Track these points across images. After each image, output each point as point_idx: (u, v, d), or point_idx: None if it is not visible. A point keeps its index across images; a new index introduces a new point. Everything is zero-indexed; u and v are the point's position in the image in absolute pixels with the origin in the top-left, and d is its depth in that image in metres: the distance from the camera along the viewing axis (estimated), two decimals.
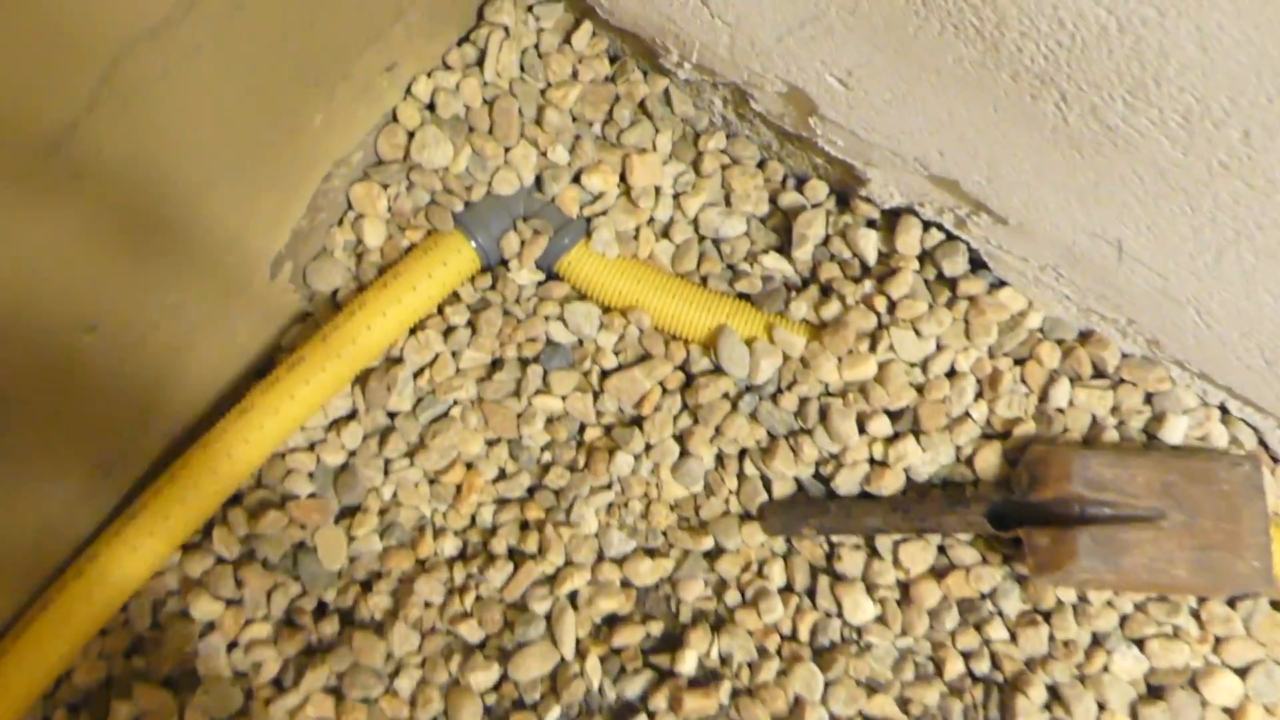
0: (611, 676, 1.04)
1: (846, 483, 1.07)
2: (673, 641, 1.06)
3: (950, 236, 1.08)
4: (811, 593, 1.07)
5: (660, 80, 1.15)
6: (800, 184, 1.16)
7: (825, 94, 0.96)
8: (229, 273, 1.01)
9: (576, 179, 1.13)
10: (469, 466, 1.14)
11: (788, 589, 1.07)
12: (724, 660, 1.04)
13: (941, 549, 1.05)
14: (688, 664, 1.02)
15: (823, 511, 1.05)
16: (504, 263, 1.15)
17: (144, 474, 1.07)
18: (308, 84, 0.96)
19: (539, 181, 1.13)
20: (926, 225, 1.09)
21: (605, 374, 1.13)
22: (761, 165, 1.18)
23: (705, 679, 1.03)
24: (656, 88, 1.15)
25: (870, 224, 1.12)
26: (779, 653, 1.05)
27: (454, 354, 1.14)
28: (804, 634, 1.04)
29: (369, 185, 1.11)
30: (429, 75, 1.11)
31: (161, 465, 1.06)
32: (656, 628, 1.06)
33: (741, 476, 1.11)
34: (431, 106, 1.12)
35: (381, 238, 1.13)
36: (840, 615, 1.05)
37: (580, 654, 1.05)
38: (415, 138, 1.10)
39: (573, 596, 1.08)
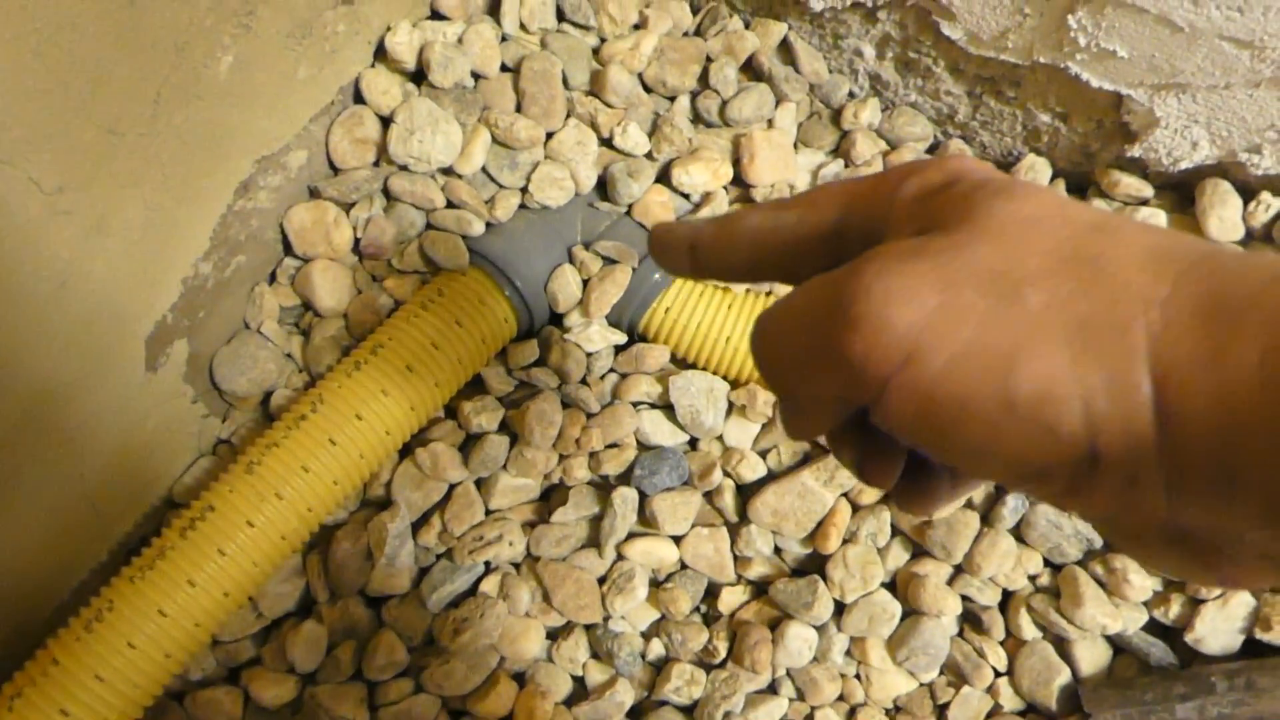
0: None
1: (1215, 633, 0.60)
2: None
3: None
4: None
5: (773, 26, 0.74)
6: (1006, 166, 0.74)
7: None
8: (53, 368, 0.52)
9: (665, 175, 0.69)
10: (522, 681, 0.64)
11: None
12: None
13: None
14: None
15: (1191, 691, 0.58)
16: (557, 319, 0.68)
17: None
18: None
19: (604, 184, 0.68)
20: (1249, 191, 0.67)
21: (748, 491, 0.66)
22: (934, 149, 0.76)
23: None
24: (770, 37, 0.74)
25: (1142, 204, 0.70)
26: None
27: (482, 483, 0.66)
28: None
29: (318, 207, 0.65)
30: (413, 26, 0.67)
31: None
32: None
33: (1016, 643, 0.64)
34: (420, 74, 0.67)
35: (344, 295, 0.66)
36: None
37: None
38: (396, 121, 0.65)
39: None
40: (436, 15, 0.69)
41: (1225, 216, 0.66)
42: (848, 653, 0.65)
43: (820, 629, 0.64)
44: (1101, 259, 0.22)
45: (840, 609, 0.64)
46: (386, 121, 0.66)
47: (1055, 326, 0.22)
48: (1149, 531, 0.24)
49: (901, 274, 0.23)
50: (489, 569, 0.66)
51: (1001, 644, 0.64)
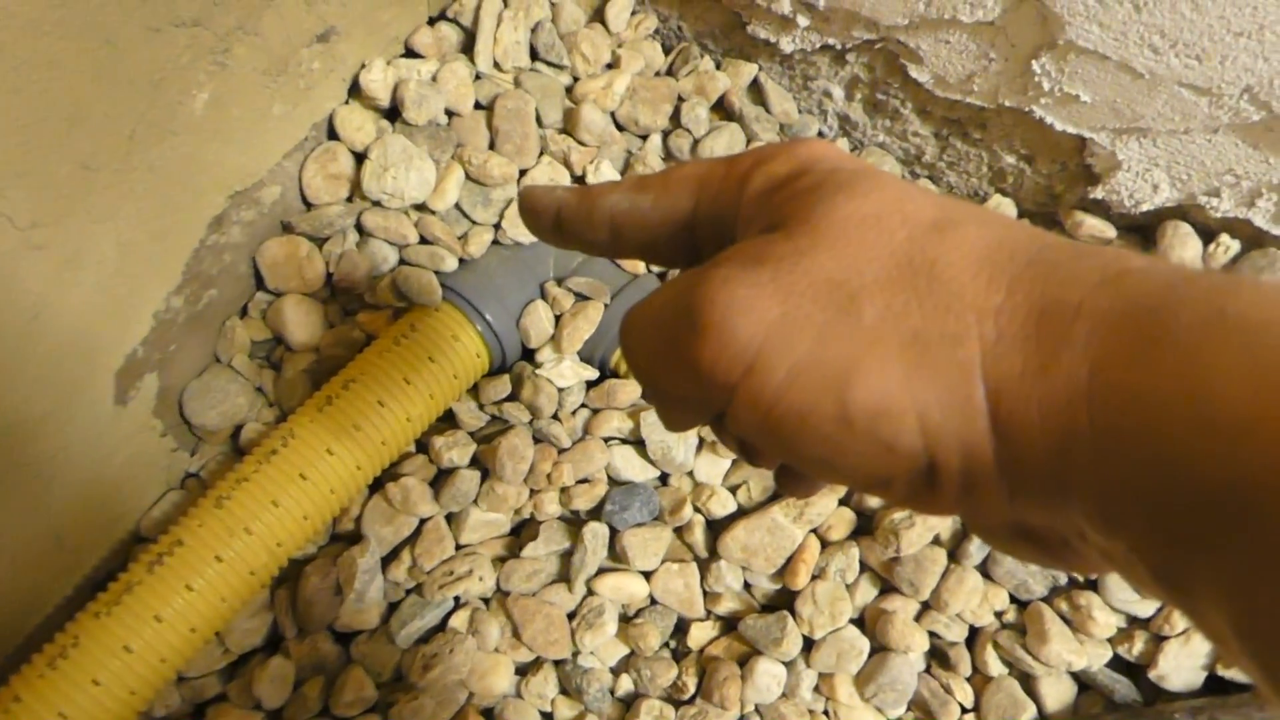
0: None
1: (1178, 670, 0.61)
2: None
3: (1257, 241, 0.68)
4: None
5: (744, 67, 0.75)
6: None
7: None
8: (22, 401, 0.52)
9: None
10: (491, 717, 0.64)
11: None
12: None
13: None
14: None
15: None
16: (530, 355, 0.69)
17: None
18: (174, 21, 0.52)
19: None
20: (1209, 233, 0.69)
21: (718, 527, 0.66)
22: None
23: None
24: (741, 78, 0.75)
25: (1105, 244, 0.71)
26: None
27: (452, 518, 0.66)
28: None
29: (291, 242, 0.66)
30: (388, 64, 0.68)
31: None
32: None
33: (983, 679, 0.64)
34: (394, 111, 0.68)
35: (316, 330, 0.67)
36: None
37: None
38: (370, 157, 0.65)
39: None
40: (411, 53, 0.70)
41: (1185, 258, 0.67)
42: (816, 689, 0.65)
43: (789, 665, 0.64)
44: (937, 265, 0.23)
45: (809, 645, 0.65)
46: (360, 158, 0.66)
47: (890, 340, 0.22)
48: (998, 528, 0.25)
49: (744, 283, 0.24)
50: (459, 604, 0.66)
51: (968, 680, 0.65)
